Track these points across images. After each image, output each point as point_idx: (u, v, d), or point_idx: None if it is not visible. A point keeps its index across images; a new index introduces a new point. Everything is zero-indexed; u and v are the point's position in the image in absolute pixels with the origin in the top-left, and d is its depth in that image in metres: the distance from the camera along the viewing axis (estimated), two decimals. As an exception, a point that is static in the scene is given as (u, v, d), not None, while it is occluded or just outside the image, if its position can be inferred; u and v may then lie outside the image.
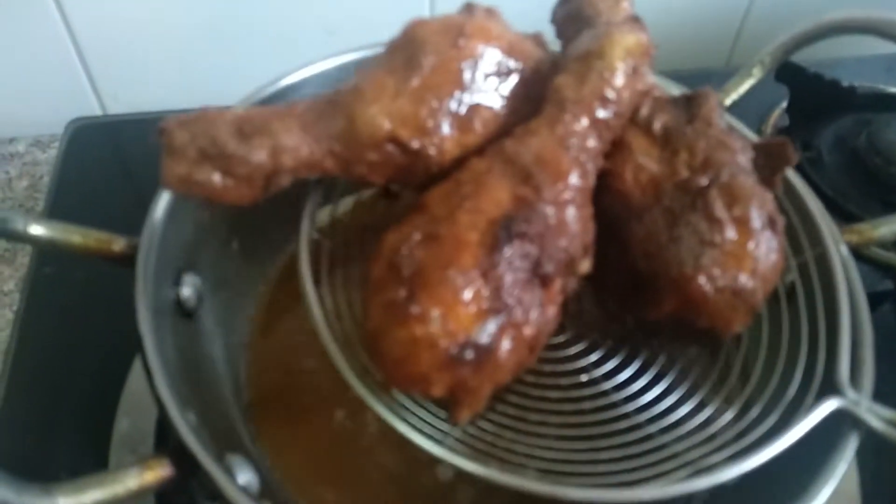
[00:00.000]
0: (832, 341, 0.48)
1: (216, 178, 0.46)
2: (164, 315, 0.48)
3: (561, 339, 0.54)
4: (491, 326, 0.40)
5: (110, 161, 0.84)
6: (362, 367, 0.44)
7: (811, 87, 0.78)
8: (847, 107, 0.80)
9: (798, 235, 0.54)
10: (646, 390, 0.50)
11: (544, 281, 0.43)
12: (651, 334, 0.52)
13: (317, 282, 0.48)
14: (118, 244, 0.49)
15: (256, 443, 0.57)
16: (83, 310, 0.67)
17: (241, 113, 0.47)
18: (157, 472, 0.40)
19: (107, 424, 0.60)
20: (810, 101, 0.79)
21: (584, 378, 0.51)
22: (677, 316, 0.48)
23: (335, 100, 0.48)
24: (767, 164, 0.50)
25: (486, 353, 0.40)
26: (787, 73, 0.77)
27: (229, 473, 0.41)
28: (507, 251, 0.42)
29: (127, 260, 0.47)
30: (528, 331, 0.42)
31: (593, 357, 0.53)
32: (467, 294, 0.40)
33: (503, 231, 0.42)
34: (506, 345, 0.41)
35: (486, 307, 0.40)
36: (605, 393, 0.50)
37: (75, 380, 0.64)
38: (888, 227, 0.57)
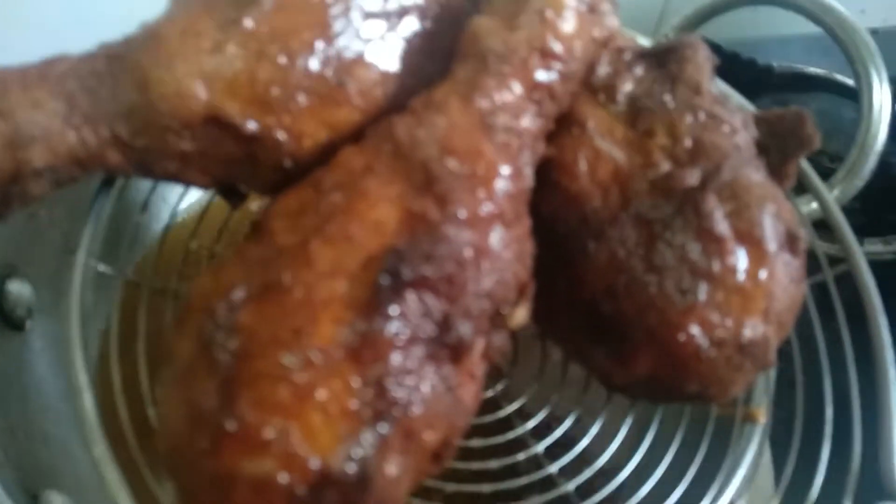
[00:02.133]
0: (870, 414, 0.33)
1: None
2: None
3: (488, 393, 0.38)
4: (365, 444, 0.24)
5: None
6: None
7: (729, 67, 0.70)
8: (765, 86, 0.76)
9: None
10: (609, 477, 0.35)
11: (456, 352, 0.27)
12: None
13: (103, 355, 0.30)
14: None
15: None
16: None
17: (-41, 76, 0.29)
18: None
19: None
20: (728, 81, 0.74)
21: (521, 458, 0.36)
22: (654, 378, 0.32)
23: (121, 54, 0.30)
24: (776, 146, 0.35)
25: (359, 491, 0.24)
26: None
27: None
28: (395, 310, 0.25)
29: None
30: (431, 437, 0.26)
31: (532, 424, 0.37)
32: (322, 393, 0.24)
33: (387, 277, 0.25)
34: (392, 469, 0.25)
35: (358, 412, 0.24)
36: (552, 483, 0.35)
37: None
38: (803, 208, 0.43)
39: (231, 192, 0.36)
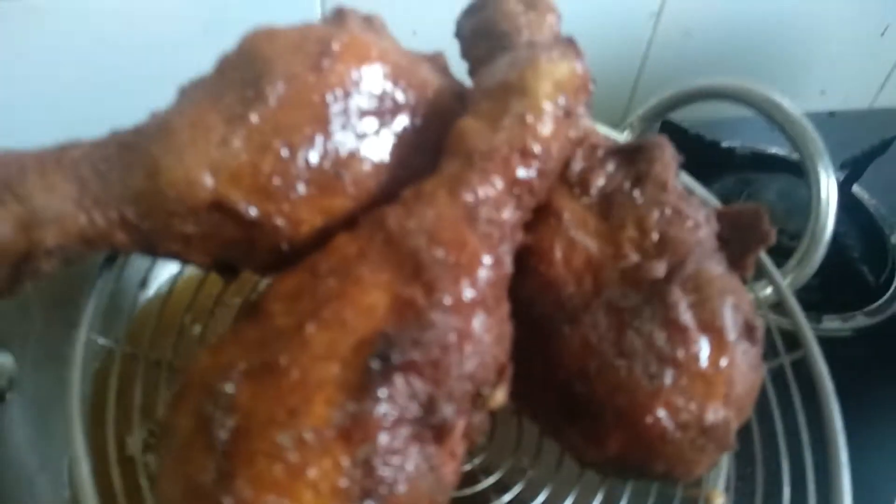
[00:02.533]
0: (824, 486, 0.35)
1: (-70, 262, 0.29)
2: None
3: (466, 466, 0.40)
4: (354, 520, 0.25)
5: None
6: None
7: (693, 148, 0.77)
8: (728, 167, 0.81)
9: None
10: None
11: (439, 432, 0.28)
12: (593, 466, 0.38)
13: (98, 424, 0.32)
14: None
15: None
16: None
17: (-21, 160, 0.31)
18: None
19: None
20: (693, 162, 0.79)
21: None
22: (624, 457, 0.34)
23: (132, 142, 0.32)
24: (736, 239, 0.38)
25: (345, 564, 0.25)
26: (670, 133, 0.75)
27: None
28: (383, 392, 0.27)
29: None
30: (413, 513, 0.27)
31: (508, 498, 0.38)
32: (314, 472, 0.25)
33: (378, 360, 0.27)
34: (378, 544, 0.26)
35: (347, 490, 0.26)
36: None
37: None
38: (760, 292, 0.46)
39: (226, 269, 0.38)
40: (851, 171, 0.79)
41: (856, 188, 0.81)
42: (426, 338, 0.28)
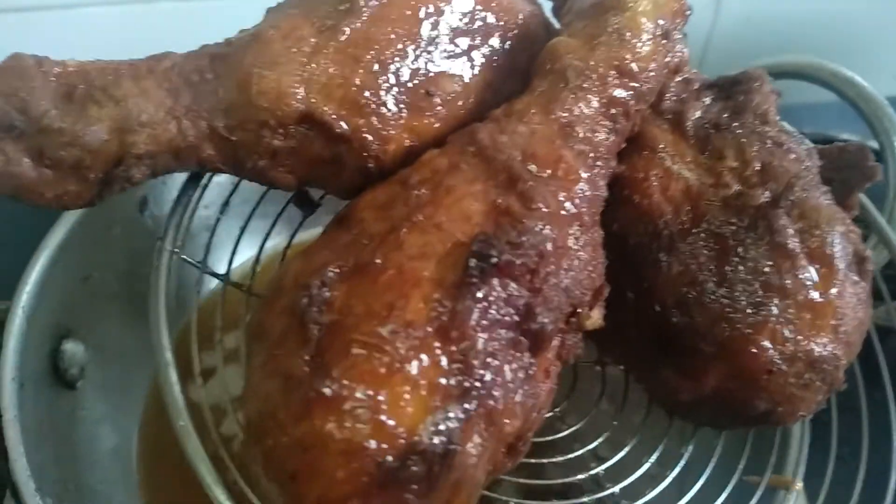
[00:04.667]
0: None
1: (26, 164, 0.29)
2: (38, 386, 0.41)
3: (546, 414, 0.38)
4: (452, 420, 0.24)
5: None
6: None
7: None
8: None
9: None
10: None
11: (536, 341, 0.27)
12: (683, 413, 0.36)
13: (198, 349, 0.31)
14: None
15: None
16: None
17: (75, 66, 0.31)
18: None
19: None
20: None
21: (581, 478, 0.35)
22: (722, 394, 0.32)
23: (224, 53, 0.32)
24: (840, 178, 0.36)
25: (443, 464, 0.24)
26: None
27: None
28: (481, 292, 0.26)
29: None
30: (510, 424, 0.26)
31: (594, 444, 0.37)
32: (413, 366, 0.24)
33: (475, 260, 0.26)
34: (474, 448, 0.25)
35: (445, 387, 0.24)
36: None
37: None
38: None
39: (305, 201, 0.38)
40: None
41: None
42: (524, 243, 0.27)
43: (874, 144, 0.50)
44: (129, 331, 0.50)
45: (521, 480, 0.34)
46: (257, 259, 0.38)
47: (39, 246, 0.43)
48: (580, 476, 0.36)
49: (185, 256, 0.33)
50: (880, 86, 0.97)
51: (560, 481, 0.35)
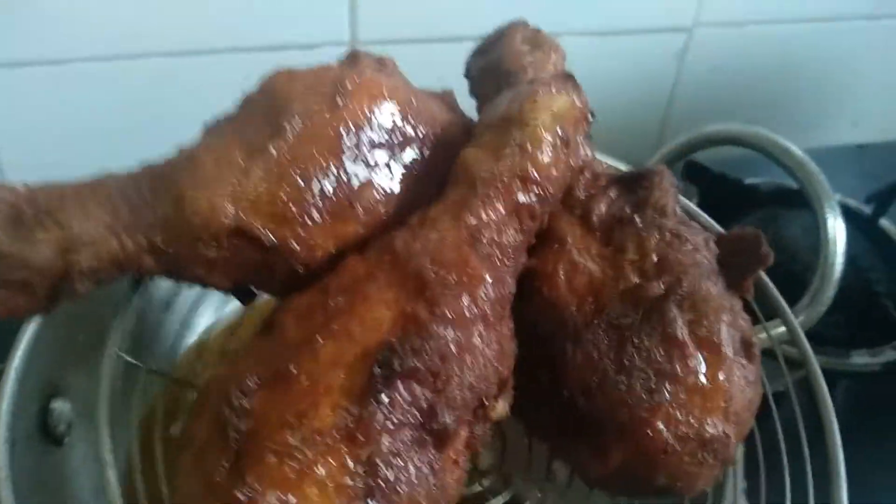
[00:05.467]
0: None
1: (-22, 283, 0.32)
2: (29, 444, 0.41)
3: (474, 489, 0.41)
4: (357, 517, 0.27)
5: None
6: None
7: (717, 186, 0.80)
8: (752, 204, 0.81)
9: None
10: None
11: (440, 438, 0.30)
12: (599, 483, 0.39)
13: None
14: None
15: None
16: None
17: (25, 191, 0.34)
18: None
19: None
20: (718, 199, 0.81)
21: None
22: (627, 470, 0.35)
23: (161, 174, 0.35)
24: (735, 262, 0.39)
25: (348, 560, 0.26)
26: (694, 173, 0.79)
27: None
28: (386, 398, 0.29)
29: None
30: (415, 515, 0.29)
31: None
32: (321, 469, 0.27)
33: (380, 368, 0.29)
34: (380, 543, 0.27)
35: (352, 487, 0.27)
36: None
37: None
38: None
39: (243, 293, 0.41)
40: (878, 205, 0.78)
41: (884, 221, 0.79)
42: (427, 347, 0.30)
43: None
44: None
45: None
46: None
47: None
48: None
49: (129, 358, 0.36)
50: (840, 133, 1.00)
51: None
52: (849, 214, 0.56)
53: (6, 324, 0.46)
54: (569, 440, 0.36)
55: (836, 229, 0.48)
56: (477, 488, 0.41)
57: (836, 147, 0.94)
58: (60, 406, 0.47)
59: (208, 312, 0.40)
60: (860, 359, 0.66)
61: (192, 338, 0.40)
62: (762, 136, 0.53)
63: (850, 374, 0.66)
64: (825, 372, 0.41)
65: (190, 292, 0.41)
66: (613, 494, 0.39)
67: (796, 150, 0.51)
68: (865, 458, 0.41)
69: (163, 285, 0.41)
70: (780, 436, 0.40)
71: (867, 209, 0.79)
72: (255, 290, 0.40)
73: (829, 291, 0.49)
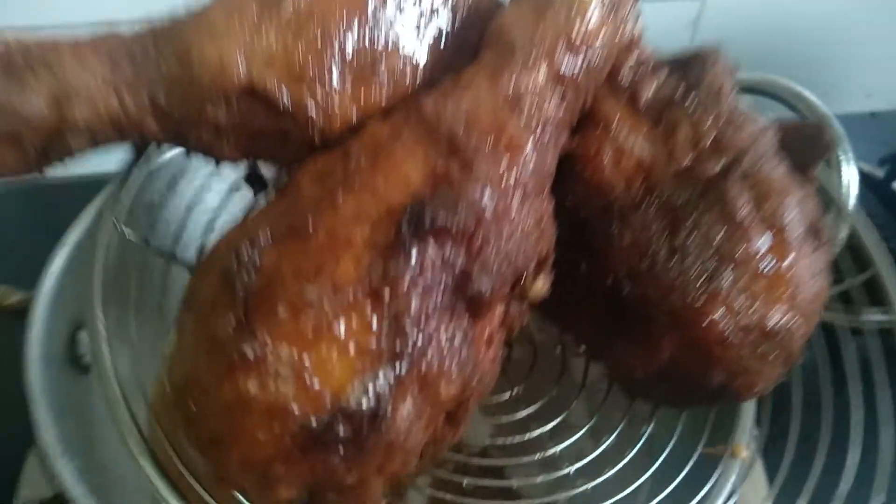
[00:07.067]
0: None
1: (-37, 135, 0.29)
2: (59, 371, 0.43)
3: (503, 397, 0.37)
4: (381, 382, 0.24)
5: (8, 213, 0.69)
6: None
7: None
8: None
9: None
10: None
11: (475, 307, 0.26)
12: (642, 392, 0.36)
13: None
14: (12, 297, 0.49)
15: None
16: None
17: (15, 41, 0.30)
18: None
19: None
20: None
21: (537, 458, 0.35)
22: (677, 367, 0.31)
23: (167, 28, 0.31)
24: (798, 151, 0.35)
25: (371, 427, 0.23)
26: None
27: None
28: (415, 255, 0.25)
29: (22, 314, 0.42)
30: (446, 389, 0.25)
31: (549, 427, 0.36)
32: (341, 327, 0.24)
33: (409, 223, 0.26)
34: (406, 412, 0.24)
35: (374, 348, 0.24)
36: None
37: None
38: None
39: (255, 179, 0.37)
40: (892, 167, 0.76)
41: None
42: (461, 207, 0.27)
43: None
44: (139, 322, 0.50)
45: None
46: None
47: (58, 243, 0.44)
48: (536, 456, 0.35)
49: (127, 233, 0.32)
50: (853, 102, 0.97)
51: (515, 461, 0.34)
52: (863, 177, 0.53)
53: (33, 256, 0.45)
54: (611, 334, 0.33)
55: (850, 173, 0.45)
56: (505, 397, 0.37)
57: (850, 114, 0.92)
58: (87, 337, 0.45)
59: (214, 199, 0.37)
60: (873, 316, 0.63)
61: (198, 224, 0.37)
62: (775, 82, 0.50)
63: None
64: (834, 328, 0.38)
65: (196, 174, 0.37)
66: (657, 404, 0.36)
67: (809, 94, 0.48)
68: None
69: (167, 169, 0.38)
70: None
71: (880, 172, 0.77)
72: (266, 180, 0.37)
73: (843, 232, 0.46)
